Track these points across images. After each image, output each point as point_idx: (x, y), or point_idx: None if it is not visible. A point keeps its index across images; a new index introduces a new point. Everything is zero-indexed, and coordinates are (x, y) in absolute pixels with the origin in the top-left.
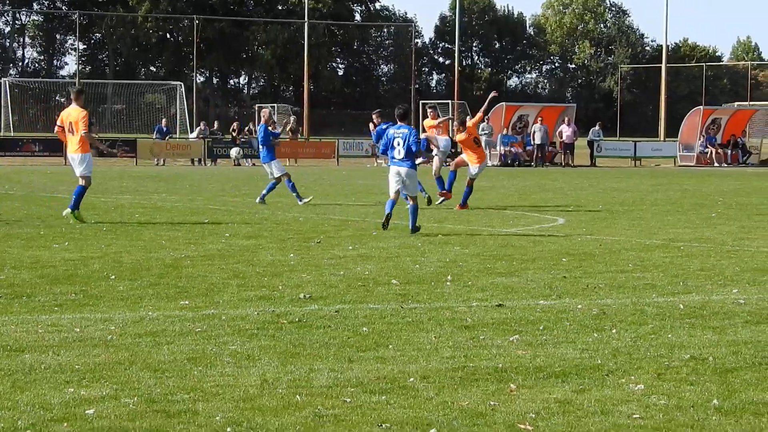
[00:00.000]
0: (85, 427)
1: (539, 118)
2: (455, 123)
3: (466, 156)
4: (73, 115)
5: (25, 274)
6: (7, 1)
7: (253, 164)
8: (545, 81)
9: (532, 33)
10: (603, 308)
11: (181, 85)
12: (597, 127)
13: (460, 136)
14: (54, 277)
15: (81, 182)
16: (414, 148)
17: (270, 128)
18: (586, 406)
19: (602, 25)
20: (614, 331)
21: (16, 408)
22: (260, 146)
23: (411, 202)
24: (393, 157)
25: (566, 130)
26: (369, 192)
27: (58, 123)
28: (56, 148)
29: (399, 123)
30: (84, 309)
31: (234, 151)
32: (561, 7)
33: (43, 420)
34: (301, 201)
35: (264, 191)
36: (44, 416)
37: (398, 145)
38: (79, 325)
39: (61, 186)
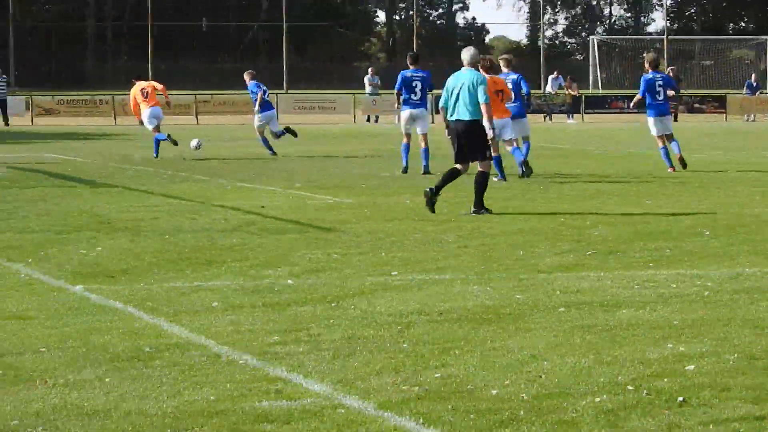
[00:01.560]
0: (686, 383)
1: None
2: None
3: None
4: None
5: (620, 230)
6: None
7: None
8: None
9: None
10: None
11: None
12: None
13: None
14: (648, 233)
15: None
16: None
17: None
18: None
19: None
20: None
21: (616, 363)
22: None
23: None
24: None
25: None
26: None
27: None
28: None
29: None
30: (679, 265)
31: None
32: None
33: (643, 375)
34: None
35: None
36: (643, 371)
37: None
38: (675, 281)
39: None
